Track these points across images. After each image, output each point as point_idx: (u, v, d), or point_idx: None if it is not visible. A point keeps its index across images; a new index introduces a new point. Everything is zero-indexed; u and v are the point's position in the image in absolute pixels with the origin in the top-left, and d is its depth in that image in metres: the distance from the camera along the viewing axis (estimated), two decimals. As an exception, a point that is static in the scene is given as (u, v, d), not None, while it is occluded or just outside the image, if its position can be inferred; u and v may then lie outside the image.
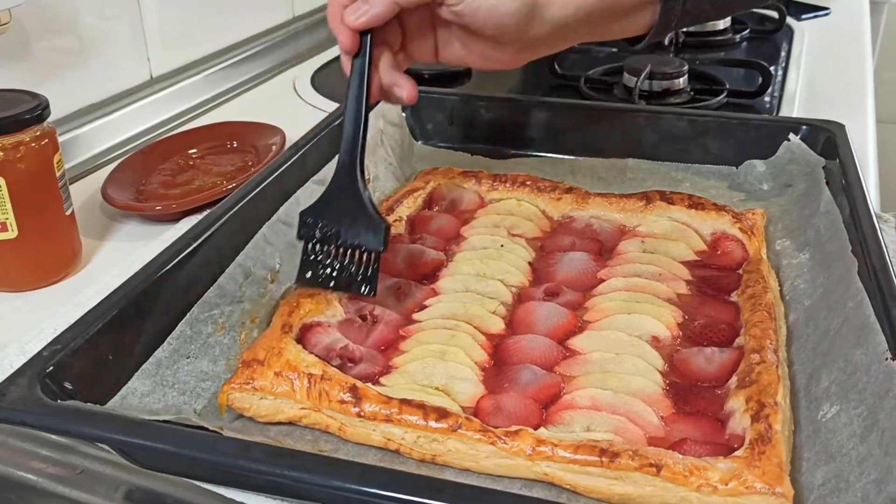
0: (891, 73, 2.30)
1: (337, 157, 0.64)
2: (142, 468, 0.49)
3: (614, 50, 1.23)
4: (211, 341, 0.58)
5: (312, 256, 0.62)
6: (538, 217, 0.77)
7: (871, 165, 0.92)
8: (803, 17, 1.45)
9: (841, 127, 0.79)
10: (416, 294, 0.66)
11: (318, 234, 0.62)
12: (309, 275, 0.61)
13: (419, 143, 0.90)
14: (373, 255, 0.61)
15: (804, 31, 1.38)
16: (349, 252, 0.61)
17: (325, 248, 0.62)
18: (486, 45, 0.65)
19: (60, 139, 0.71)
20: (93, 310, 0.54)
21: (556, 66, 1.18)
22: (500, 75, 1.30)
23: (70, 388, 0.49)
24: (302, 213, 0.63)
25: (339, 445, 0.53)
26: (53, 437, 0.53)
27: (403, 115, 0.89)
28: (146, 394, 0.53)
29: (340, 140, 0.63)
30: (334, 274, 0.61)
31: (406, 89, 0.66)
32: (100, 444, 0.50)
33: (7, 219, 0.66)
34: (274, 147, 0.90)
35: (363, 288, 0.61)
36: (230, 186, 0.81)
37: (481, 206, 0.79)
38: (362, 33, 0.62)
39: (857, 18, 1.48)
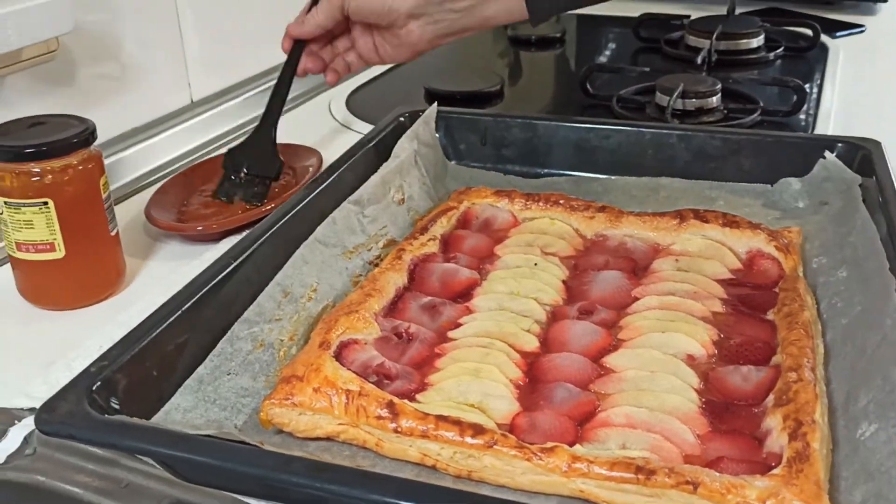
0: (929, 90, 2.26)
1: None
2: (185, 482, 0.49)
3: (647, 69, 1.23)
4: (251, 358, 0.59)
5: (228, 179, 0.88)
6: (571, 236, 0.77)
7: (908, 183, 0.91)
8: (838, 34, 1.45)
9: (877, 144, 0.79)
10: (450, 312, 0.67)
11: (234, 165, 0.88)
12: (222, 190, 0.87)
13: (453, 163, 0.92)
14: (268, 182, 0.87)
15: (839, 48, 1.38)
16: (253, 179, 0.87)
17: (238, 176, 0.87)
18: (390, 34, 0.88)
19: (106, 162, 0.74)
20: (137, 327, 0.55)
21: (588, 86, 1.18)
22: (532, 96, 1.31)
23: (116, 403, 0.51)
24: (228, 149, 0.89)
25: (377, 461, 0.53)
26: (99, 451, 0.54)
27: (437, 135, 0.90)
28: (189, 409, 0.54)
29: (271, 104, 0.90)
30: (239, 191, 0.86)
31: (329, 75, 0.94)
32: (144, 458, 0.52)
33: (55, 239, 0.68)
34: (311, 168, 0.92)
35: (252, 199, 0.85)
36: (269, 207, 0.83)
37: (514, 225, 0.80)
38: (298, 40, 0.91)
39: (892, 35, 1.47)
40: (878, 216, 0.68)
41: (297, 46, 0.91)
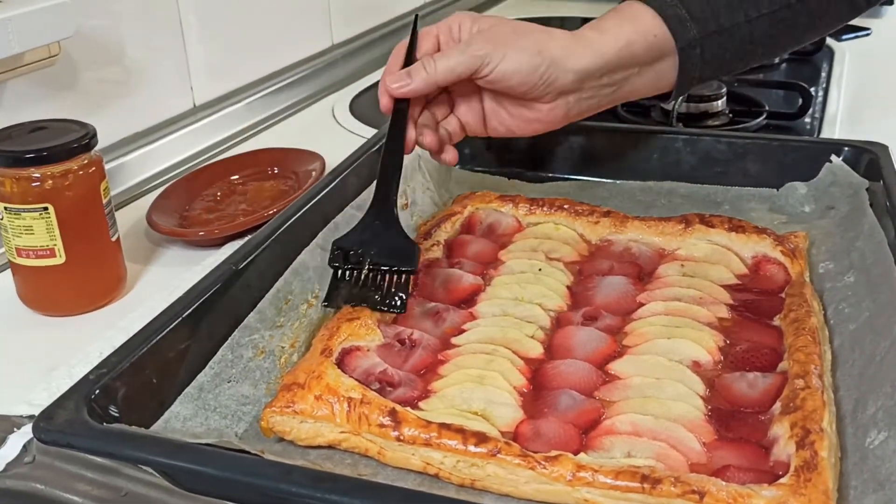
0: (935, 93, 2.25)
1: (374, 183, 0.69)
2: (185, 491, 0.49)
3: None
4: (251, 365, 0.59)
5: (342, 282, 0.64)
6: (576, 241, 0.76)
7: (916, 187, 0.90)
8: (843, 37, 1.44)
9: (884, 148, 0.78)
10: (453, 318, 0.66)
11: (349, 260, 0.64)
12: (338, 295, 0.64)
13: (457, 167, 0.91)
14: (403, 277, 0.64)
15: (845, 51, 1.37)
16: (380, 275, 0.64)
17: (355, 272, 0.64)
18: (523, 107, 0.73)
19: (107, 167, 0.73)
20: (138, 334, 0.55)
21: (593, 90, 1.18)
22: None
23: (115, 411, 0.50)
24: (334, 242, 0.65)
25: (379, 469, 0.53)
26: (98, 459, 0.54)
27: (441, 140, 0.89)
28: (189, 417, 0.54)
29: (378, 176, 0.69)
30: (363, 293, 0.63)
31: (449, 154, 0.75)
32: (143, 467, 0.51)
33: (55, 245, 0.68)
34: (314, 173, 0.92)
35: (392, 303, 0.63)
36: (271, 212, 0.83)
37: (519, 230, 0.79)
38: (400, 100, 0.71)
39: (899, 38, 1.46)
40: (885, 221, 0.67)
41: (400, 107, 0.71)
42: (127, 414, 0.51)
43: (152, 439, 0.48)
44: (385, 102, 0.71)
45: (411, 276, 0.64)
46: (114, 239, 0.73)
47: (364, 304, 0.62)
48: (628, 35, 0.71)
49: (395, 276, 0.63)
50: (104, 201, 0.71)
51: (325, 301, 0.64)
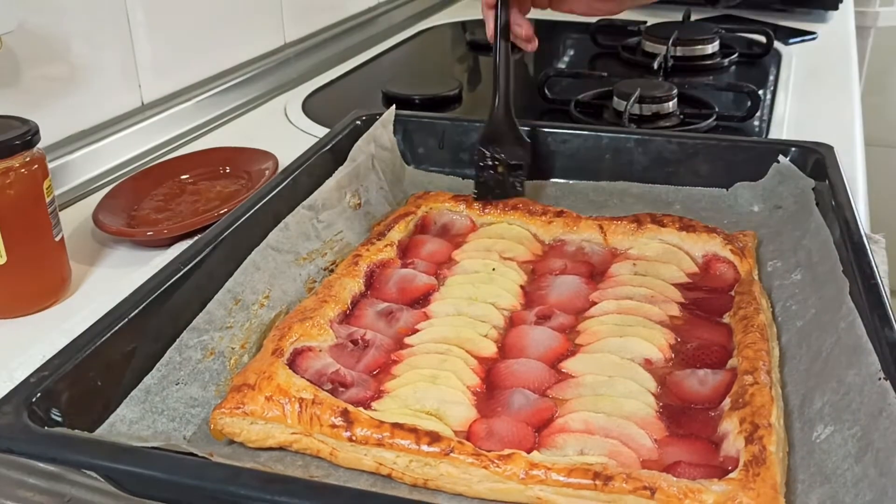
0: (878, 97, 2.32)
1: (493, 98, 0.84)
2: (130, 495, 0.48)
3: (604, 75, 1.23)
4: (200, 367, 0.58)
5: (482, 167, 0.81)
6: (529, 241, 0.77)
7: (860, 187, 0.93)
8: (791, 41, 1.47)
9: (830, 149, 0.79)
10: (407, 318, 0.66)
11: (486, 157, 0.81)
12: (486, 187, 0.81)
13: (410, 167, 0.91)
14: (522, 169, 0.82)
15: (792, 55, 1.40)
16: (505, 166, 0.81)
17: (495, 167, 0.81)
18: None
19: (51, 165, 0.71)
20: (81, 336, 0.53)
21: (547, 91, 1.18)
22: (489, 100, 1.30)
23: (58, 415, 0.49)
24: (480, 140, 0.83)
25: (331, 471, 0.52)
26: (41, 464, 0.52)
27: (395, 139, 0.89)
28: (135, 421, 0.53)
29: (494, 82, 0.85)
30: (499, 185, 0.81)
31: (523, 28, 0.87)
32: (87, 472, 0.50)
33: (-4, 245, 0.66)
34: (267, 172, 0.90)
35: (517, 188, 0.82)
36: (222, 212, 0.81)
37: (473, 230, 0.79)
38: None
39: (843, 43, 1.49)
40: (830, 219, 0.69)
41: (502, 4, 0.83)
42: (70, 418, 0.49)
43: (95, 443, 0.46)
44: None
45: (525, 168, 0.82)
46: (57, 239, 0.71)
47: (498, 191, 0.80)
48: None
49: (514, 168, 0.82)
50: (47, 200, 0.69)
51: (475, 195, 0.81)
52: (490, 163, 0.81)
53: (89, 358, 0.52)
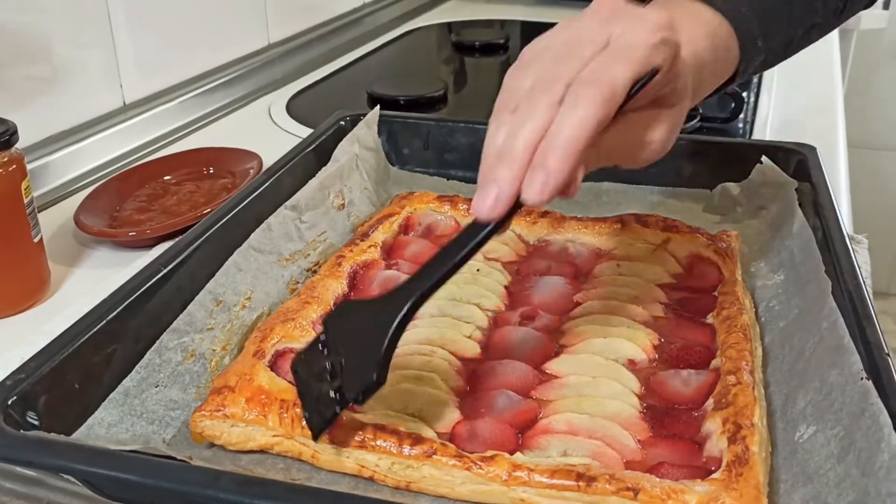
0: (860, 99, 2.34)
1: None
2: (108, 500, 0.47)
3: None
4: (181, 369, 0.57)
5: (312, 353, 0.53)
6: (514, 241, 0.76)
7: (843, 187, 0.93)
8: (774, 43, 1.47)
9: (812, 149, 0.80)
10: (391, 319, 0.65)
11: (332, 335, 0.52)
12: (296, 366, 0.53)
13: (395, 167, 0.90)
14: (344, 396, 0.49)
15: (775, 57, 1.40)
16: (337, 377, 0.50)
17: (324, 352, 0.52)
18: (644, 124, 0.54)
19: (32, 166, 0.71)
20: (59, 338, 0.52)
21: (532, 92, 1.18)
22: (476, 101, 1.30)
23: (34, 418, 0.48)
24: (343, 302, 0.55)
25: (312, 473, 0.52)
26: (18, 469, 0.51)
27: (379, 139, 0.89)
28: (113, 424, 0.52)
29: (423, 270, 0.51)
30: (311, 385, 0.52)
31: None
32: (65, 476, 0.49)
33: (-27, 246, 0.65)
34: (251, 172, 0.90)
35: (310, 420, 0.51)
36: (206, 212, 0.81)
37: (457, 230, 0.78)
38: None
39: (826, 45, 1.50)
40: (813, 220, 0.69)
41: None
42: (47, 421, 0.49)
43: (72, 446, 0.46)
44: (537, 194, 0.46)
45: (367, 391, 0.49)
46: (36, 240, 0.70)
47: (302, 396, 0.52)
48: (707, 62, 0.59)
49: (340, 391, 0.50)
50: (25, 201, 0.68)
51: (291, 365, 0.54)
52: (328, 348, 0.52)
53: (67, 360, 0.51)
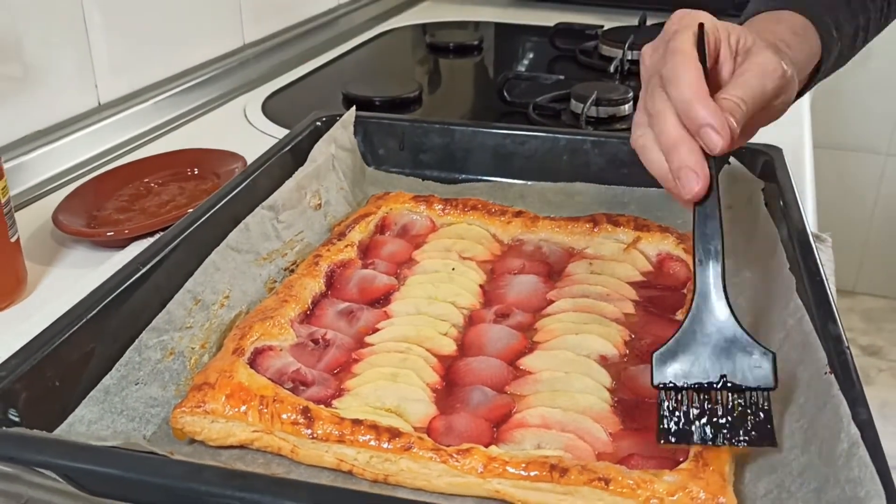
0: (827, 101, 2.38)
1: (696, 282, 0.54)
2: (90, 495, 0.48)
3: (562, 77, 1.25)
4: (160, 367, 0.58)
5: (674, 406, 0.50)
6: (489, 240, 0.78)
7: (808, 187, 0.95)
8: (743, 46, 1.50)
9: (778, 151, 0.82)
10: (368, 318, 0.66)
11: (677, 377, 0.51)
12: (671, 425, 0.50)
13: (371, 168, 0.91)
14: (759, 396, 0.50)
15: (744, 60, 1.43)
16: (723, 395, 0.50)
17: (688, 395, 0.50)
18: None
19: (7, 165, 0.71)
20: (39, 336, 0.53)
21: (506, 93, 1.20)
22: (451, 102, 1.31)
23: (15, 415, 0.49)
24: (654, 356, 0.52)
25: (292, 468, 0.53)
26: (-2, 465, 0.52)
27: (355, 140, 0.89)
28: (94, 421, 0.53)
29: (694, 264, 0.55)
30: (703, 419, 0.50)
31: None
32: (45, 472, 0.49)
33: (-51, 246, 0.65)
34: (236, 173, 0.90)
35: (755, 438, 0.49)
36: (188, 211, 0.81)
37: (433, 230, 0.80)
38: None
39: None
40: (779, 219, 0.71)
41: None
42: (28, 418, 0.49)
43: (52, 441, 0.46)
44: (724, 143, 0.52)
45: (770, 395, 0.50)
46: (13, 240, 0.70)
47: (721, 443, 0.49)
48: (807, 57, 0.70)
49: (748, 395, 0.49)
50: (2, 201, 0.68)
51: (659, 439, 0.50)
52: (715, 396, 0.50)
53: (47, 358, 0.52)
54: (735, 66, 0.59)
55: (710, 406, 0.50)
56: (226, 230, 0.69)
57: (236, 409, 0.53)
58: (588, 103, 1.08)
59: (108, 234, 0.80)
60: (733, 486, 0.49)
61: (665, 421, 0.50)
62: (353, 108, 0.91)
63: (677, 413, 0.50)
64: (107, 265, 0.74)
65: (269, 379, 0.56)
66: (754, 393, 0.49)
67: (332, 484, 0.51)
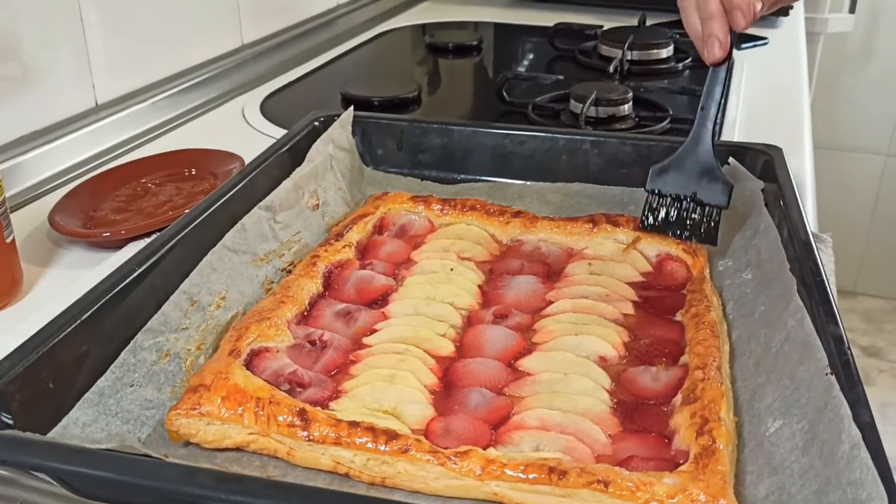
0: (827, 102, 2.38)
1: (696, 121, 0.72)
2: (84, 498, 0.47)
3: (561, 78, 1.25)
4: (156, 369, 0.57)
5: (655, 204, 0.70)
6: (487, 241, 0.77)
7: (808, 188, 0.95)
8: (743, 46, 1.50)
9: (779, 150, 0.81)
10: (365, 318, 0.66)
11: (663, 186, 0.71)
12: (650, 220, 0.70)
13: (369, 168, 0.91)
14: (714, 211, 0.69)
15: (743, 60, 1.42)
16: (691, 205, 0.70)
17: (668, 200, 0.70)
18: None
19: (3, 166, 0.70)
20: (33, 337, 0.52)
21: (505, 94, 1.19)
22: (450, 102, 1.31)
23: (8, 417, 0.48)
24: (652, 168, 0.71)
25: (288, 471, 0.52)
26: (-9, 469, 0.51)
27: (354, 140, 0.89)
28: (88, 423, 0.52)
29: (698, 108, 0.72)
30: (673, 219, 0.70)
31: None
32: (39, 475, 0.49)
33: (-56, 247, 0.65)
34: (234, 173, 0.89)
35: (703, 238, 0.68)
36: (185, 212, 0.80)
37: (431, 230, 0.79)
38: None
39: (793, 48, 1.53)
40: (779, 219, 0.70)
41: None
42: (22, 420, 0.49)
43: (45, 444, 0.46)
44: (744, 23, 0.68)
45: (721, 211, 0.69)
46: (8, 240, 0.69)
47: (676, 235, 0.69)
48: None
49: (706, 209, 0.69)
50: (-2, 201, 0.68)
51: (638, 226, 0.70)
52: (685, 205, 0.71)
53: (41, 360, 0.51)
54: None
55: (678, 211, 0.68)
56: (223, 230, 0.68)
57: (232, 412, 0.53)
58: (587, 103, 1.07)
59: (105, 234, 0.79)
60: (733, 488, 0.48)
61: (648, 215, 0.71)
62: (351, 108, 0.90)
63: (656, 211, 0.70)
64: (103, 266, 0.74)
65: (265, 381, 0.55)
66: (712, 209, 0.69)
67: (329, 487, 0.50)
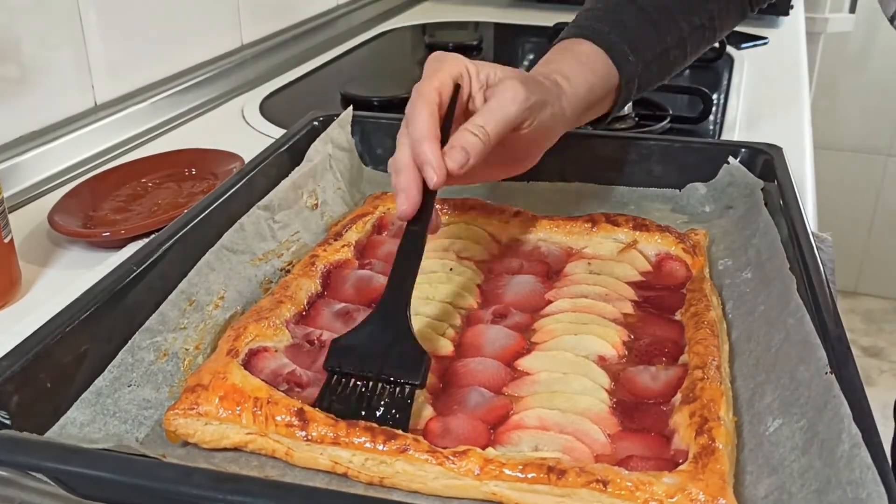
0: (827, 102, 2.38)
1: (387, 283, 0.60)
2: (81, 498, 0.47)
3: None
4: (153, 369, 0.57)
5: (338, 387, 0.55)
6: (486, 240, 0.77)
7: (808, 187, 0.95)
8: (743, 46, 1.50)
9: (779, 150, 0.81)
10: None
11: (346, 364, 0.56)
12: (333, 405, 0.54)
13: (368, 168, 0.91)
14: (406, 389, 0.55)
15: (743, 59, 1.42)
16: (380, 385, 0.55)
17: (352, 381, 0.55)
18: (516, 154, 0.73)
19: (2, 166, 0.70)
20: (31, 337, 0.52)
21: (505, 94, 1.19)
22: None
23: (6, 417, 0.48)
24: (334, 341, 0.57)
25: (286, 471, 0.52)
26: (-11, 469, 0.51)
27: (353, 140, 0.89)
28: (86, 423, 0.52)
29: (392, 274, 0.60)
30: (359, 402, 0.54)
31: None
32: (37, 475, 0.49)
33: (-58, 247, 0.65)
34: (234, 173, 0.89)
35: (396, 422, 0.53)
36: (185, 211, 0.80)
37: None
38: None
39: (793, 48, 1.53)
40: (778, 219, 0.70)
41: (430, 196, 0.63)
42: (19, 420, 0.49)
43: (42, 444, 0.46)
44: (437, 180, 0.60)
45: (415, 391, 0.55)
46: (7, 240, 0.69)
47: (361, 417, 0.53)
48: (591, 83, 0.76)
49: (398, 388, 0.55)
50: (-4, 201, 0.67)
51: (315, 403, 0.54)
52: (371, 385, 0.55)
53: (39, 360, 0.51)
54: (484, 98, 0.67)
55: (365, 391, 0.55)
56: (221, 230, 0.68)
57: (230, 412, 0.52)
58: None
59: (105, 234, 0.79)
60: (733, 487, 0.48)
61: (325, 397, 0.54)
62: (351, 107, 0.90)
63: (338, 392, 0.55)
64: (103, 266, 0.74)
65: (263, 380, 0.55)
66: (405, 386, 0.55)
67: (327, 486, 0.50)
